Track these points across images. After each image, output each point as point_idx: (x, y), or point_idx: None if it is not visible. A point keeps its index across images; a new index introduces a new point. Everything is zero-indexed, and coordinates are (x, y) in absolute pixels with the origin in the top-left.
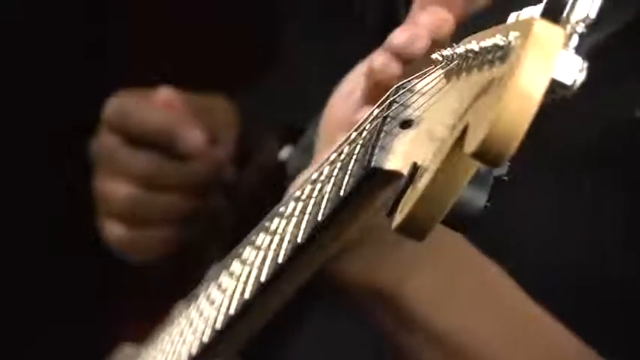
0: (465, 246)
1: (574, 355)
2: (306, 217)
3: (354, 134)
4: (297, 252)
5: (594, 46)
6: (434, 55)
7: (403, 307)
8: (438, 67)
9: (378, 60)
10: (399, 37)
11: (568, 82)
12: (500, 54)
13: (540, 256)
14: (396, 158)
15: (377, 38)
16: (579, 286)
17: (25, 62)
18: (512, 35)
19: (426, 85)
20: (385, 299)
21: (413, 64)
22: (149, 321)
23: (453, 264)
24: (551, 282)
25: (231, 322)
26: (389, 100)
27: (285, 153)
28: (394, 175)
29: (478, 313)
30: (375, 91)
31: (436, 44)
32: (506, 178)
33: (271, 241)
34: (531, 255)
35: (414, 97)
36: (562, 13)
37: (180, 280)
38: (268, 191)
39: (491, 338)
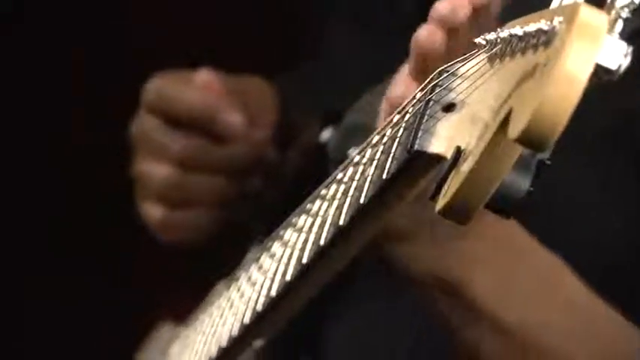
0: (525, 238)
1: (634, 347)
2: (348, 199)
3: (397, 117)
4: (339, 235)
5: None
6: (477, 40)
7: (469, 299)
8: (482, 51)
9: (424, 31)
10: (442, 6)
11: (613, 67)
12: (545, 39)
13: (579, 239)
14: (440, 142)
15: (414, 25)
16: (617, 269)
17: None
18: (557, 20)
19: (469, 69)
20: (451, 292)
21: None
22: (188, 302)
23: (514, 256)
24: (589, 263)
25: (272, 304)
26: (432, 84)
27: (325, 135)
28: (437, 158)
29: (540, 306)
30: (422, 65)
31: (477, 13)
32: (549, 162)
33: (312, 224)
34: (571, 237)
35: (458, 81)
36: None
37: (221, 262)
38: (309, 173)
39: (554, 331)
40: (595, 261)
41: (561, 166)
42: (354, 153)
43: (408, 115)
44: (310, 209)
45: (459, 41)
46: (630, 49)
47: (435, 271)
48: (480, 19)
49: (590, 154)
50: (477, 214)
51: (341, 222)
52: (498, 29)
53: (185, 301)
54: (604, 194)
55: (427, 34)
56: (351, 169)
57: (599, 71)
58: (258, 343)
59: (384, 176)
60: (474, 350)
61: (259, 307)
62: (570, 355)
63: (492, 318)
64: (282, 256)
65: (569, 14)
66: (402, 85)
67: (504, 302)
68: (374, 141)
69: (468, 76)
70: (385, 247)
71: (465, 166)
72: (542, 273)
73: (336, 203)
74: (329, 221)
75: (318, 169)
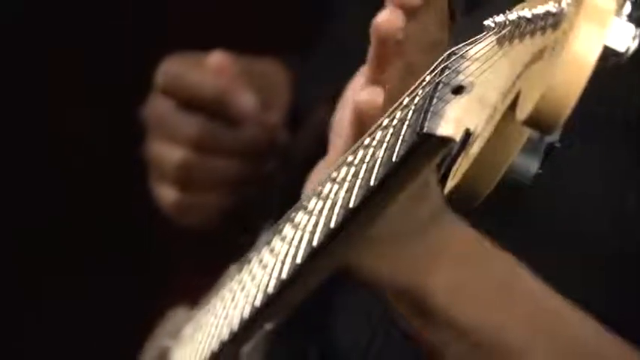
0: (479, 241)
1: (598, 346)
2: (359, 182)
3: (407, 100)
4: (349, 216)
5: None
6: (486, 22)
7: (427, 304)
8: (490, 33)
9: (383, 15)
10: None
11: (621, 49)
12: (553, 21)
13: (584, 225)
14: (449, 124)
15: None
16: (623, 255)
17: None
18: (565, 2)
19: (478, 52)
20: (409, 296)
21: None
22: (201, 285)
23: (469, 259)
24: (595, 250)
25: (282, 287)
26: (441, 66)
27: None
28: (446, 140)
29: (499, 307)
30: (382, 52)
31: None
32: (558, 145)
33: (323, 206)
34: (577, 223)
35: (466, 64)
36: None
37: (233, 245)
38: (321, 155)
39: (516, 332)
40: (605, 249)
41: (571, 153)
42: (364, 135)
43: (417, 98)
44: (321, 192)
45: (417, 28)
46: (639, 32)
47: (393, 277)
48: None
49: (600, 142)
50: (433, 216)
51: (351, 204)
52: (507, 12)
53: (198, 285)
54: (615, 181)
55: (386, 18)
56: (361, 152)
57: (608, 53)
58: (268, 326)
59: (394, 158)
60: (439, 353)
61: (270, 290)
62: (535, 354)
63: (450, 322)
64: (292, 239)
65: None
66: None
67: (461, 305)
68: (384, 123)
69: (477, 59)
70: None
71: (474, 149)
72: (499, 275)
73: (346, 185)
74: (339, 204)
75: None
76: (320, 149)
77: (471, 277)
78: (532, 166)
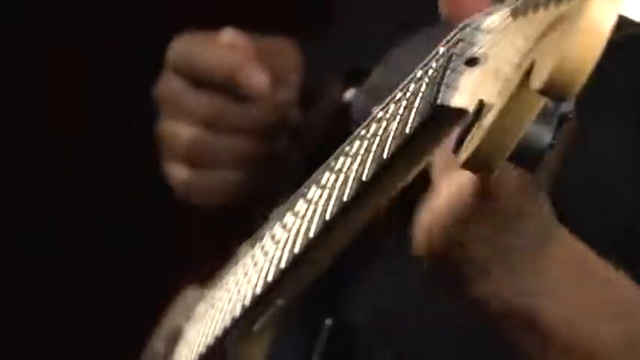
0: (590, 258)
1: None
2: (372, 155)
3: (420, 72)
4: (362, 190)
5: None
6: None
7: (545, 330)
8: (504, 4)
9: None
10: None
11: (637, 18)
12: None
13: (600, 200)
14: (462, 95)
15: None
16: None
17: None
18: None
19: (492, 23)
20: (517, 318)
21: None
22: (213, 264)
23: (580, 279)
24: (612, 226)
25: (295, 261)
26: (455, 38)
27: (349, 95)
28: (460, 112)
29: (606, 323)
30: None
31: None
32: (572, 115)
33: (336, 180)
34: (593, 198)
35: (480, 35)
36: None
37: (245, 223)
38: (333, 133)
39: (615, 342)
40: (621, 225)
41: (588, 128)
42: (376, 110)
43: (430, 70)
44: (334, 166)
45: None
46: None
47: (501, 298)
48: None
49: (619, 116)
50: (543, 234)
51: (364, 178)
52: None
53: (210, 263)
54: (631, 156)
55: None
56: (374, 125)
57: (623, 22)
58: (280, 302)
59: (407, 131)
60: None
61: (282, 265)
62: None
63: (566, 348)
64: (305, 214)
65: None
66: None
67: (579, 328)
68: (397, 97)
69: (491, 30)
70: (464, 291)
71: (488, 120)
72: (611, 291)
73: (359, 159)
74: (352, 177)
75: (341, 129)
76: (333, 126)
77: (589, 296)
78: (546, 136)
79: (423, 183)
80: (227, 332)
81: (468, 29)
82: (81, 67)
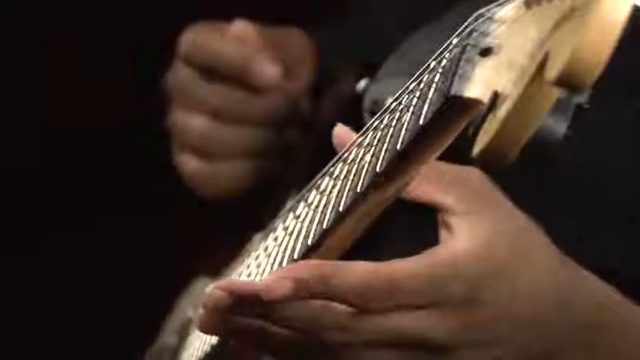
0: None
1: None
2: (385, 146)
3: (434, 63)
4: (376, 181)
5: None
6: None
7: None
8: None
9: None
10: None
11: None
12: None
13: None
14: (476, 86)
15: None
16: None
17: None
18: None
19: (505, 14)
20: None
21: None
22: (224, 254)
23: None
24: (622, 214)
25: (308, 252)
26: (469, 29)
27: (362, 85)
28: (474, 103)
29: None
30: None
31: None
32: (587, 106)
33: (349, 171)
34: (605, 189)
35: (494, 26)
36: None
37: (257, 214)
38: (345, 124)
39: None
40: (632, 213)
41: (601, 119)
42: (390, 101)
43: (444, 61)
44: (347, 158)
45: None
46: None
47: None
48: None
49: (631, 108)
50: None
51: (378, 169)
52: None
53: (220, 254)
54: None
55: None
56: (387, 117)
57: (637, 14)
58: None
59: (421, 122)
60: None
61: (296, 256)
62: None
63: None
64: (318, 205)
65: None
66: None
67: None
68: (410, 88)
69: (505, 21)
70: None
71: (502, 111)
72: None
73: (372, 150)
74: (366, 168)
75: (354, 119)
76: (345, 116)
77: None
78: (560, 127)
79: None
80: None
81: (481, 19)
82: (79, 61)
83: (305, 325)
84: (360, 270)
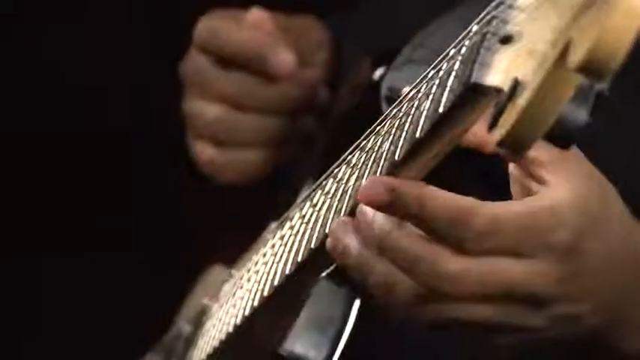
0: None
1: None
2: (404, 134)
3: (453, 51)
4: (395, 169)
5: None
6: None
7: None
8: None
9: None
10: None
11: None
12: None
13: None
14: (497, 74)
15: None
16: None
17: None
18: None
19: (526, 1)
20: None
21: None
22: (239, 244)
23: None
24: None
25: (325, 240)
26: (489, 16)
27: (379, 73)
28: (495, 90)
29: None
30: None
31: None
32: (607, 93)
33: (367, 159)
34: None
35: (515, 13)
36: None
37: (272, 202)
38: (362, 112)
39: None
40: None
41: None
42: (408, 89)
43: (464, 49)
44: (365, 146)
45: None
46: None
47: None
48: None
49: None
50: None
51: (396, 157)
52: None
53: (235, 243)
54: None
55: None
56: (405, 104)
57: None
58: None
59: (440, 110)
60: None
61: (313, 244)
62: None
63: None
64: (335, 193)
65: None
66: None
67: None
68: (429, 75)
69: (525, 8)
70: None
71: (523, 98)
72: None
73: (390, 138)
74: (384, 156)
75: (371, 107)
76: (361, 105)
77: None
78: (582, 115)
79: None
80: (255, 311)
81: (501, 7)
82: (79, 59)
83: (414, 265)
84: (460, 202)
